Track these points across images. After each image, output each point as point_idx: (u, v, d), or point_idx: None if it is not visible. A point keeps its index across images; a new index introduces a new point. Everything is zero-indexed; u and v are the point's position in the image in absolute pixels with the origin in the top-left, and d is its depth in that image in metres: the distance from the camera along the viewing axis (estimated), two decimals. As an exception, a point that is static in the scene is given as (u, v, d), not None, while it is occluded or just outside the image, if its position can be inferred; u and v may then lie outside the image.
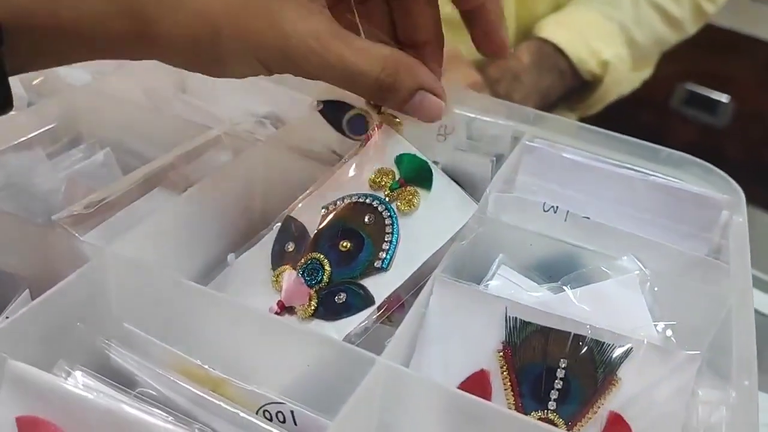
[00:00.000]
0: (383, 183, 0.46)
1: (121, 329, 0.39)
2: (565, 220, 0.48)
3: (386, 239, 0.44)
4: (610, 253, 0.46)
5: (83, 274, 0.39)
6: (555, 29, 0.94)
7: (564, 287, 0.44)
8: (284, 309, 0.43)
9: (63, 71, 0.66)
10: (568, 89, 0.95)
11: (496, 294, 0.42)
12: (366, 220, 0.45)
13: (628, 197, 0.53)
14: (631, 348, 0.40)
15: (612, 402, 0.39)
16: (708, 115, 1.63)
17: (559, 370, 0.40)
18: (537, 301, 0.43)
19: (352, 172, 0.49)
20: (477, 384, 0.40)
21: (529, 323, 0.40)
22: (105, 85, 0.61)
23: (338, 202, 0.47)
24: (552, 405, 0.39)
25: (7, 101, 0.36)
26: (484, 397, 0.39)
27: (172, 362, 0.38)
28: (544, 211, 0.48)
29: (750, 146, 1.62)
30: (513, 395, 0.40)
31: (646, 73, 1.05)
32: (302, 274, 0.44)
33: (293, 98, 0.63)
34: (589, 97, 0.97)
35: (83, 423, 0.33)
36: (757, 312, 0.66)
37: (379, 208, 0.46)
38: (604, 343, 0.40)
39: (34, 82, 0.59)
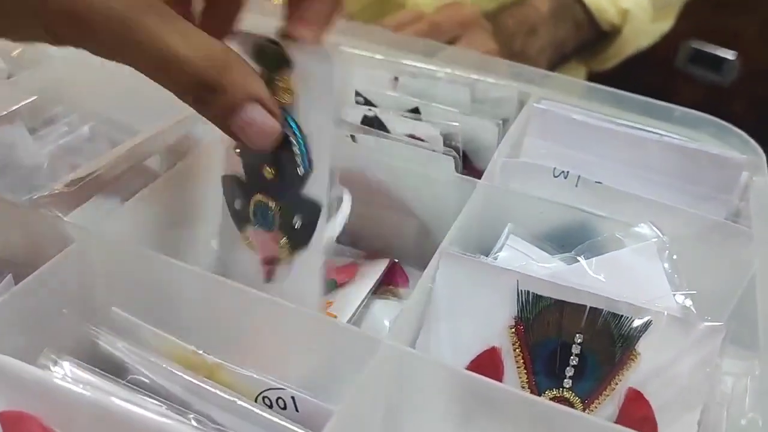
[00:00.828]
0: None
1: (110, 315, 0.37)
2: (577, 185, 0.45)
3: (292, 141, 0.41)
4: (625, 219, 0.44)
5: (67, 257, 0.37)
6: None
7: (578, 257, 0.42)
8: (272, 263, 0.41)
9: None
10: (584, 41, 0.92)
11: (507, 266, 0.40)
12: None
13: (642, 159, 0.51)
14: (651, 320, 0.38)
15: (631, 378, 0.38)
16: (714, 73, 1.60)
17: (574, 345, 0.38)
18: (549, 272, 0.41)
19: None
20: (488, 362, 0.38)
21: (543, 297, 0.38)
22: (87, 55, 0.58)
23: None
24: (567, 382, 0.38)
25: None
26: (495, 376, 0.37)
27: (165, 348, 0.36)
28: (555, 176, 0.46)
29: (757, 104, 1.59)
30: (526, 373, 0.38)
31: (666, 25, 1.01)
32: (258, 225, 0.42)
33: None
34: (606, 49, 0.94)
35: (71, 417, 0.31)
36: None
37: None
38: (621, 315, 0.38)
39: (14, 53, 0.56)
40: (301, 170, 0.40)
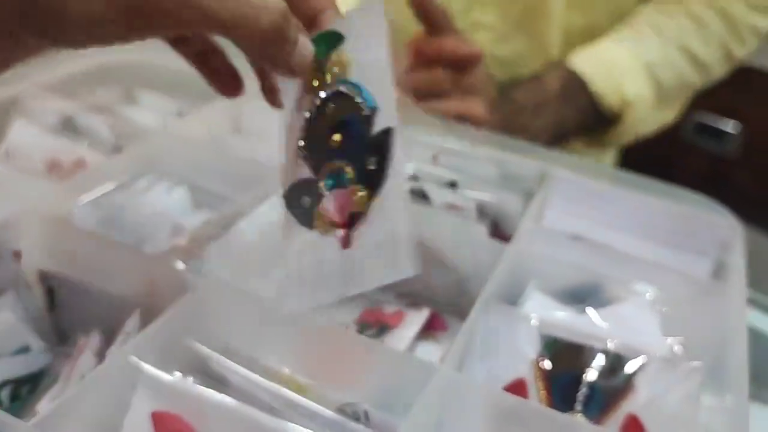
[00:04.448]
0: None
1: (222, 344, 0.47)
2: (588, 248, 0.55)
3: (354, 95, 0.42)
4: (626, 278, 0.53)
5: (188, 300, 0.47)
6: (586, 62, 0.93)
7: (587, 308, 0.52)
8: (349, 224, 0.41)
9: (138, 116, 0.75)
10: (586, 124, 0.95)
11: (531, 314, 0.50)
12: (329, 111, 0.43)
13: (644, 220, 0.62)
14: (646, 360, 0.47)
15: (629, 405, 0.47)
16: (717, 145, 1.70)
17: (584, 378, 0.47)
18: (565, 320, 0.50)
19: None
20: (516, 390, 0.47)
21: (560, 339, 0.48)
22: (178, 129, 0.70)
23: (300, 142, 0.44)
24: (578, 407, 0.47)
25: None
26: (522, 401, 0.47)
27: (265, 371, 0.46)
28: (569, 240, 0.56)
29: (760, 174, 1.69)
30: (546, 399, 0.47)
31: (669, 115, 1.04)
32: (332, 188, 0.42)
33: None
34: (607, 135, 0.97)
35: (202, 415, 0.41)
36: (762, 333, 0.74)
37: (331, 92, 0.43)
38: (622, 355, 0.47)
39: (118, 131, 0.68)
40: (367, 111, 0.42)
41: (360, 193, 0.41)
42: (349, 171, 0.42)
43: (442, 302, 0.61)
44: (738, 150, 1.71)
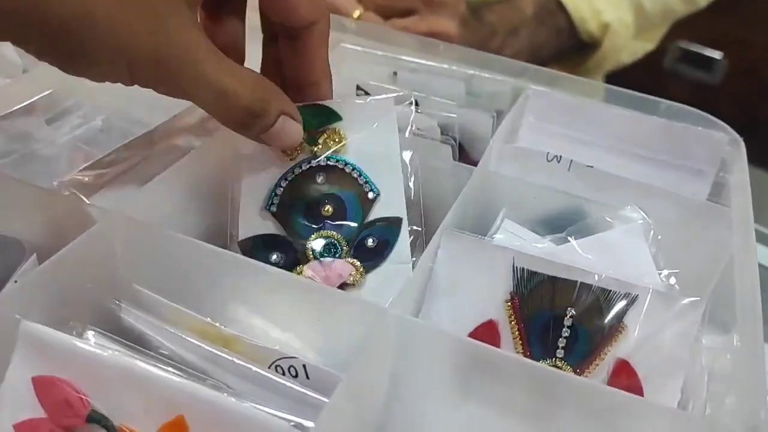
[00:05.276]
0: (296, 151, 0.45)
1: (131, 290, 0.39)
2: (569, 169, 0.48)
3: (354, 176, 0.45)
4: (613, 202, 0.46)
5: (91, 236, 0.39)
6: None
7: (568, 238, 0.44)
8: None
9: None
10: (563, 49, 0.91)
11: (503, 245, 0.42)
12: (319, 180, 0.45)
13: (632, 136, 0.55)
14: (637, 295, 0.40)
15: (618, 348, 0.40)
16: (702, 72, 1.63)
17: (566, 318, 0.40)
18: (542, 251, 0.43)
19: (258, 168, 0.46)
20: (486, 333, 0.40)
21: (537, 273, 0.41)
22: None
23: (276, 193, 0.45)
24: (560, 353, 0.40)
25: None
26: (493, 346, 0.40)
27: (183, 321, 0.38)
28: (548, 160, 0.48)
29: (742, 102, 1.63)
30: (521, 344, 0.40)
31: (649, 45, 1.00)
32: (322, 257, 0.44)
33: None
34: (585, 61, 0.93)
35: (98, 380, 0.33)
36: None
37: (321, 163, 0.45)
38: (610, 291, 0.40)
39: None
40: (372, 195, 0.45)
41: (357, 270, 0.43)
42: (343, 244, 0.44)
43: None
44: (722, 78, 1.65)
